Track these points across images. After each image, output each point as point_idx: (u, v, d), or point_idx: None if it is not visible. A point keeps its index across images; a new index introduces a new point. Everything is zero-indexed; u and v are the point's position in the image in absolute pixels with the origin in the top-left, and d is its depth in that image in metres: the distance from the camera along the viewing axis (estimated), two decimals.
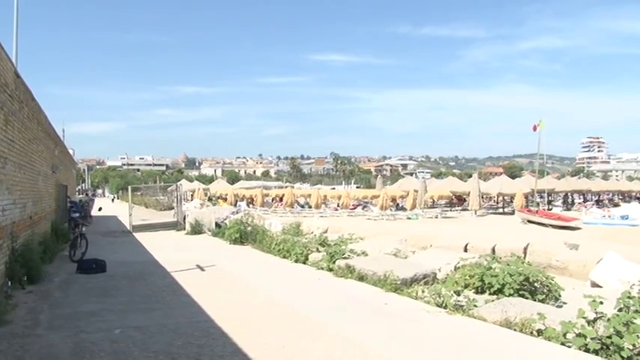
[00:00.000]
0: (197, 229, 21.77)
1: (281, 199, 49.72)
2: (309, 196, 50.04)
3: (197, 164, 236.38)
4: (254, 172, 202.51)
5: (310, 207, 46.25)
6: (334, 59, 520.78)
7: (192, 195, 57.02)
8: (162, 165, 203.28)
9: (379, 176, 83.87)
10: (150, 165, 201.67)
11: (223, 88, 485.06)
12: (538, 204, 44.54)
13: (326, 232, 21.11)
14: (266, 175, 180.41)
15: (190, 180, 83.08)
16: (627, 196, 66.80)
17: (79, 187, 67.04)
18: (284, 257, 13.42)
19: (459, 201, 51.36)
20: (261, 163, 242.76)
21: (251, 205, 46.42)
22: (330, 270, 10.81)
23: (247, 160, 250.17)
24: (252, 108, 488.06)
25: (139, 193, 52.43)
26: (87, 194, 63.14)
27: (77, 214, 17.28)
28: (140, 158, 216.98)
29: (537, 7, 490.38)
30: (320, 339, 5.90)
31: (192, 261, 12.51)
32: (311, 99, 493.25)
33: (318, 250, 12.96)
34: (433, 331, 6.16)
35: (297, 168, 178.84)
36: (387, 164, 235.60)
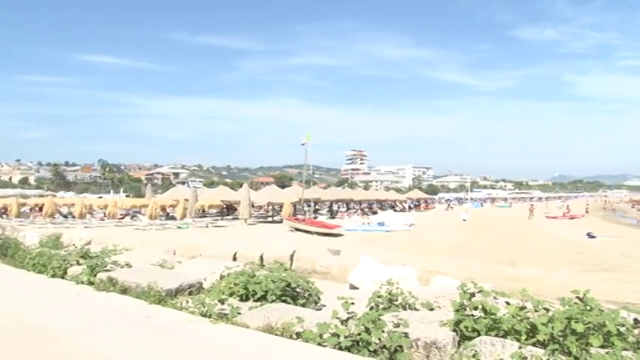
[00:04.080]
0: None
1: (41, 209, 45.91)
2: (73, 205, 46.91)
3: None
4: (10, 179, 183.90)
5: (74, 217, 43.46)
6: (106, 61, 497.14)
7: None
8: None
9: (149, 185, 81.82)
10: None
11: None
12: (305, 212, 46.70)
13: (89, 243, 19.92)
14: (24, 182, 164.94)
15: None
16: (384, 205, 73.21)
17: None
18: (40, 272, 12.29)
19: (229, 210, 51.98)
20: (18, 169, 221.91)
21: (5, 216, 42.19)
22: (91, 284, 10.15)
23: (2, 166, 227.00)
24: (9, 108, 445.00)
25: None
26: None
27: None
28: None
29: (309, 27, 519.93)
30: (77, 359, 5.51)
31: None
32: (79, 102, 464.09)
33: (78, 263, 12.10)
34: (195, 341, 6.08)
35: (61, 175, 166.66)
36: (158, 172, 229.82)
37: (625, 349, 4.64)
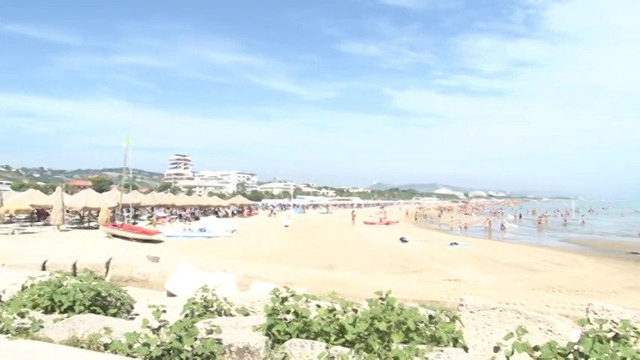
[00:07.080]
0: None
1: None
2: None
3: None
4: None
5: None
6: None
7: None
8: None
9: None
10: None
11: None
12: (124, 218, 45.03)
13: None
14: None
15: None
16: (207, 210, 72.68)
17: None
18: None
19: (41, 215, 48.83)
20: None
21: None
22: None
23: None
24: None
25: None
26: None
27: None
28: None
29: (135, 25, 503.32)
30: None
31: None
32: None
33: None
34: None
35: None
36: None
37: (422, 343, 5.01)
